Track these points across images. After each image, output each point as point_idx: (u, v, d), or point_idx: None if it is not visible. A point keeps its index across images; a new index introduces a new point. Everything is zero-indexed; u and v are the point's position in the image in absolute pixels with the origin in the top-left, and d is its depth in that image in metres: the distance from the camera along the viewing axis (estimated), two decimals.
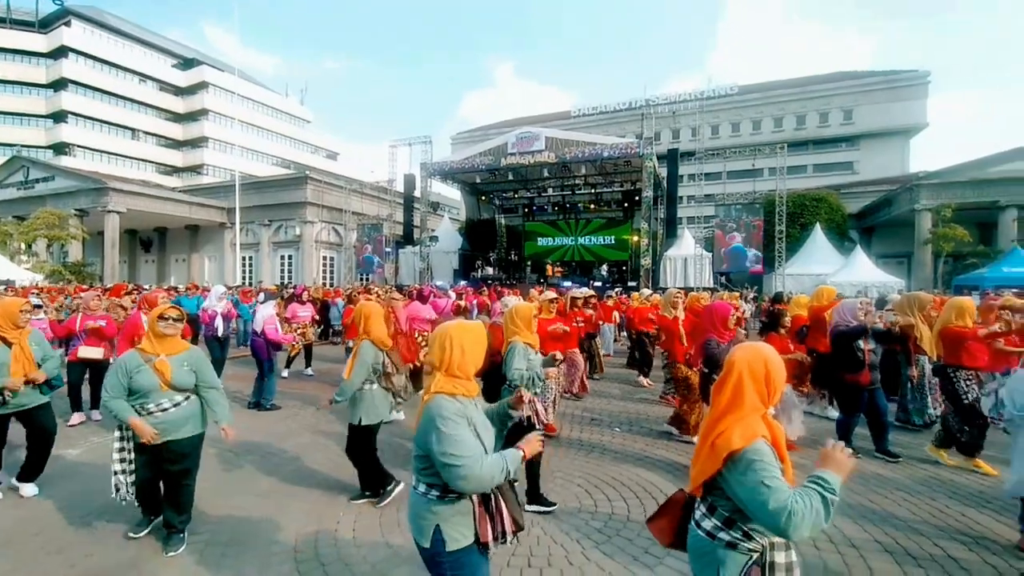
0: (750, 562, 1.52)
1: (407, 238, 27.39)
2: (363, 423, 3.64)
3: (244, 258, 31.47)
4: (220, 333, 7.38)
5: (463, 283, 21.12)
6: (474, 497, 1.80)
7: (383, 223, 27.80)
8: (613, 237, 27.11)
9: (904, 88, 41.76)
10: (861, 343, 4.58)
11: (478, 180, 25.32)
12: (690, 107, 34.45)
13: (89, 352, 5.66)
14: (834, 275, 18.78)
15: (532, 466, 3.65)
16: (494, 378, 4.25)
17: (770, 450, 1.53)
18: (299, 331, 8.21)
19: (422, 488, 1.83)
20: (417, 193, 26.61)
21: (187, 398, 3.12)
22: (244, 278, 30.91)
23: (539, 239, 28.96)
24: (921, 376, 5.74)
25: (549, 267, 28.48)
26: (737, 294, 14.14)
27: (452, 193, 32.18)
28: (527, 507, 3.56)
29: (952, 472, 4.43)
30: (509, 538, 1.84)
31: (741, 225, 21.07)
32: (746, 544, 1.53)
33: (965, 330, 4.59)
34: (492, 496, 1.83)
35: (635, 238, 23.62)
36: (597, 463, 4.59)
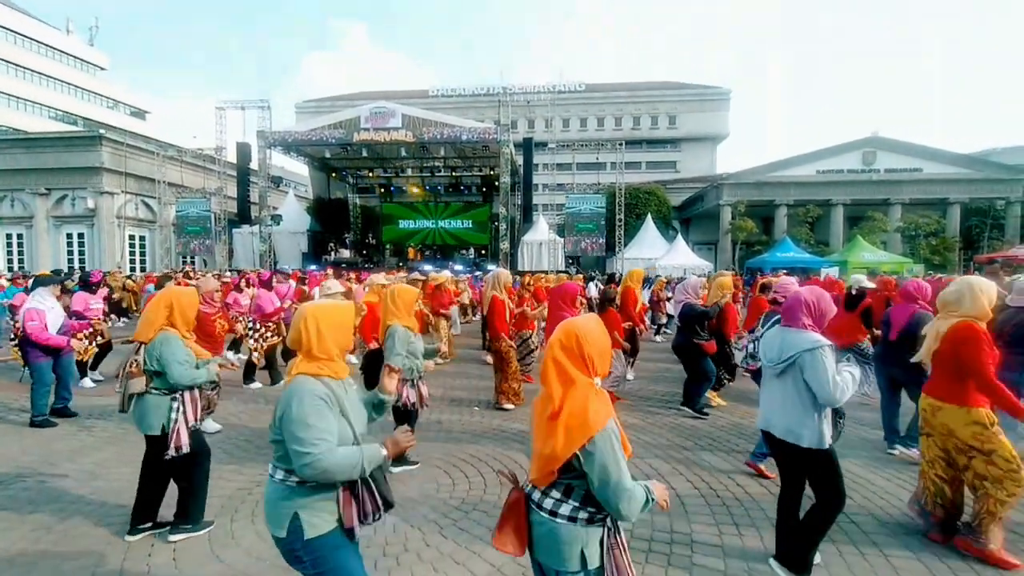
0: (605, 529, 1.55)
1: (242, 216, 24.18)
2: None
3: (9, 236, 24.61)
4: None
5: (313, 267, 19.49)
6: None
7: (211, 197, 24.05)
8: (472, 221, 27.47)
9: (711, 101, 49.65)
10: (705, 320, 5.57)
11: (328, 155, 23.46)
12: (543, 99, 36.18)
13: None
14: (661, 259, 21.69)
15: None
16: (376, 362, 4.06)
17: (616, 428, 1.55)
18: (93, 328, 6.63)
19: (280, 475, 1.72)
20: (254, 165, 23.63)
21: None
22: (10, 262, 24.18)
23: (399, 221, 28.02)
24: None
25: (411, 250, 27.81)
26: (582, 276, 15.54)
27: (297, 167, 29.16)
28: (392, 469, 3.51)
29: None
30: (373, 517, 1.75)
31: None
32: (600, 515, 1.55)
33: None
34: (358, 479, 1.72)
35: (494, 223, 24.31)
36: (456, 443, 4.63)
